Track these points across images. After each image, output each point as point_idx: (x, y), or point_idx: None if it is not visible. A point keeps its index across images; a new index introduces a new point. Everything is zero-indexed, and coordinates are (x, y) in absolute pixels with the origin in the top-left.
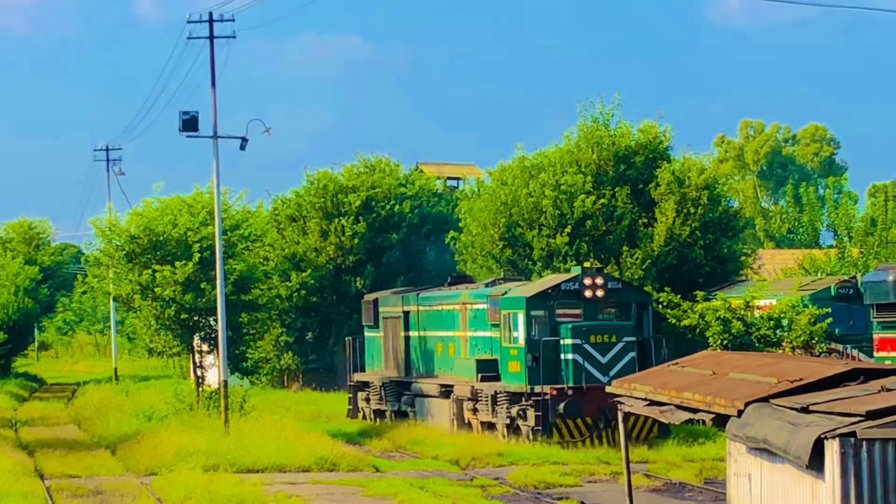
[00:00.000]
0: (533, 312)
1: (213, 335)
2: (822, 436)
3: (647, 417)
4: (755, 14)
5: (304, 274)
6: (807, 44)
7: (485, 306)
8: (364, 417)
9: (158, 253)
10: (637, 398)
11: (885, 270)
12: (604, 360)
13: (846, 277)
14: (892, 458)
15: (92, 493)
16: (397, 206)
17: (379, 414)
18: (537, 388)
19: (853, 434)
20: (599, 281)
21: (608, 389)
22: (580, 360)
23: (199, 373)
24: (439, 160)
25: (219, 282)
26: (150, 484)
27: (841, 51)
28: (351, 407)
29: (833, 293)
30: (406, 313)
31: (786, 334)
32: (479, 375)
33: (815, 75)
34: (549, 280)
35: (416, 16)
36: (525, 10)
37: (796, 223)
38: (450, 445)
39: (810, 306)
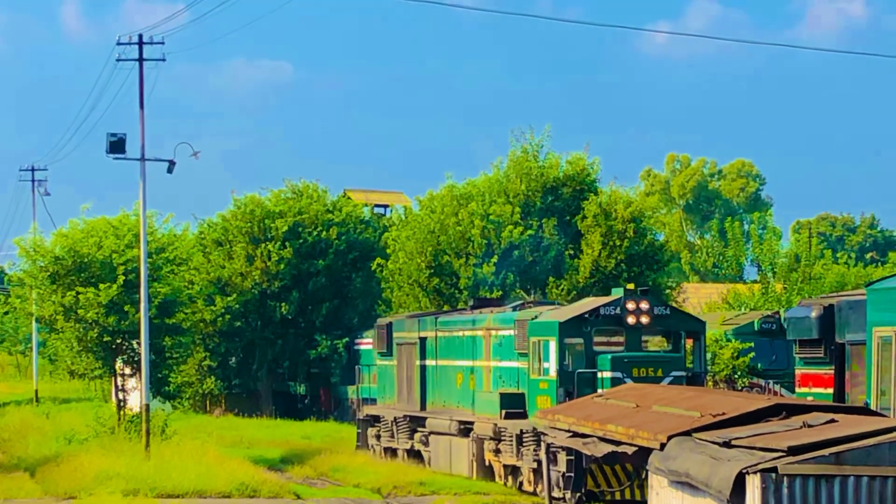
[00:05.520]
0: (567, 340)
1: (135, 358)
2: (744, 470)
3: None
4: (682, 48)
5: (228, 298)
6: (732, 79)
7: (511, 332)
8: (374, 456)
9: (83, 274)
10: (560, 430)
11: (807, 306)
12: None
13: (769, 312)
14: (813, 493)
15: None
16: (324, 233)
17: (390, 452)
18: None
19: (774, 469)
20: (644, 306)
21: (530, 420)
22: None
23: (120, 396)
24: (367, 187)
25: (142, 305)
26: None
27: (765, 88)
28: (359, 443)
29: (756, 328)
30: (423, 339)
31: (709, 368)
32: (503, 412)
33: (741, 111)
34: (587, 304)
35: (347, 46)
36: (457, 42)
37: (721, 257)
38: (372, 473)
39: (733, 341)
